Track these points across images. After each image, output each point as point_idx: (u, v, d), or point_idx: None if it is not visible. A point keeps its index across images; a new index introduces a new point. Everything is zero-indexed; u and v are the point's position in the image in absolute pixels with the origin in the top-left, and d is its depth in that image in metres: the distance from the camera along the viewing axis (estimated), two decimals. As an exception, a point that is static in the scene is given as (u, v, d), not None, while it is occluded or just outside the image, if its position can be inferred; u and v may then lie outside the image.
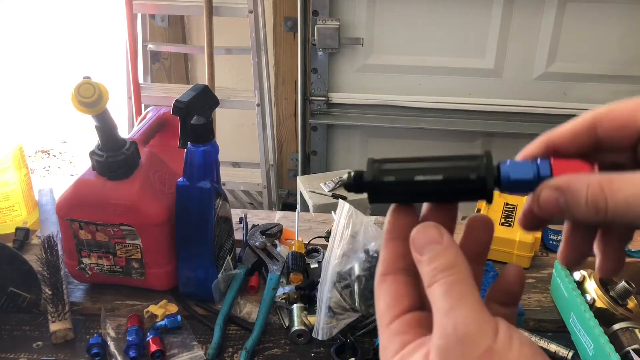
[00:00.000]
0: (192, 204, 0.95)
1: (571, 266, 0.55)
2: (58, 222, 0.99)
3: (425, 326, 0.36)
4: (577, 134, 0.38)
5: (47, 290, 0.96)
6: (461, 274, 0.34)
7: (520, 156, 0.39)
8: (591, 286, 0.94)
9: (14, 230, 1.16)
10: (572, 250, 0.40)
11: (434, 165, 0.37)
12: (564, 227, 0.41)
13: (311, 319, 0.95)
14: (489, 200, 0.37)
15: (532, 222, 0.40)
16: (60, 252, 1.01)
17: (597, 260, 0.41)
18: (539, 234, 1.13)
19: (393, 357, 0.35)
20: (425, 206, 0.40)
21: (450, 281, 0.34)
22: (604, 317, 0.90)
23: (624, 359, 0.85)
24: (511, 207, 1.19)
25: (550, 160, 0.37)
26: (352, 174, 0.39)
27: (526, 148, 0.39)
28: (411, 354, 0.34)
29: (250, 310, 0.99)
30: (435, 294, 0.34)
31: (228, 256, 1.04)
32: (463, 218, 0.54)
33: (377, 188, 0.38)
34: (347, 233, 1.00)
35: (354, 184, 0.39)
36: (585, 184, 0.34)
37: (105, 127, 0.92)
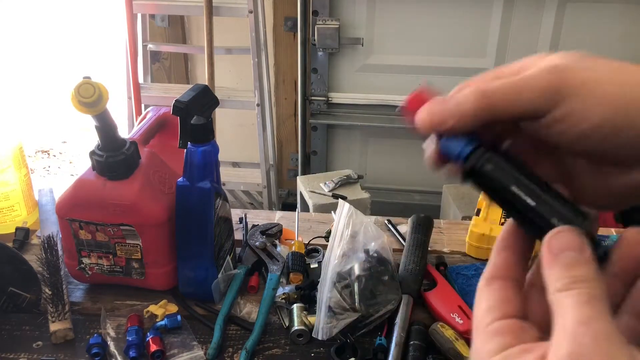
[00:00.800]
0: (192, 204, 0.95)
1: None
2: (58, 222, 0.99)
3: (528, 334, 0.34)
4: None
5: (47, 290, 0.96)
6: (603, 292, 0.31)
7: None
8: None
9: (14, 230, 1.16)
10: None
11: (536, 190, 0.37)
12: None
13: (311, 319, 0.95)
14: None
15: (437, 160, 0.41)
16: (60, 252, 1.01)
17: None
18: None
19: (492, 358, 0.33)
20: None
21: (591, 293, 0.31)
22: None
23: (624, 359, 0.85)
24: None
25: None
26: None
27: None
28: (517, 356, 0.32)
29: (250, 310, 0.99)
30: (568, 302, 0.31)
31: (228, 256, 1.04)
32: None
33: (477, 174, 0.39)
34: (347, 233, 1.00)
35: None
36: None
37: (105, 127, 0.92)
